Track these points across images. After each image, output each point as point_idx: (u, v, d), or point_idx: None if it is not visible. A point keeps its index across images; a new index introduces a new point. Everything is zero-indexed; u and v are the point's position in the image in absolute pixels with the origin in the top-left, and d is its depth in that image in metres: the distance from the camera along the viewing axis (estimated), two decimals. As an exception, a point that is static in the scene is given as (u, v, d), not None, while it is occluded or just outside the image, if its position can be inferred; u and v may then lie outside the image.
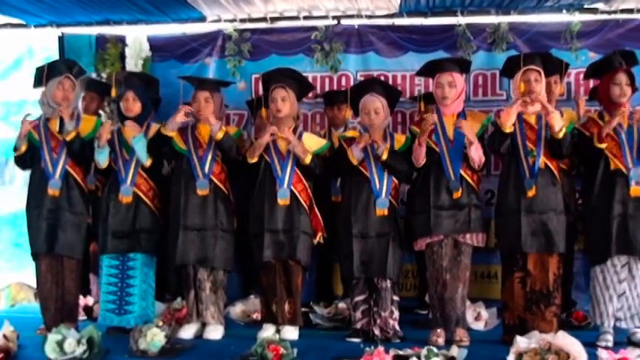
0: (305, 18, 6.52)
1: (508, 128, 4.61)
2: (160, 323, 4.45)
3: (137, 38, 6.52)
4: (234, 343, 4.58)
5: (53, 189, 4.94)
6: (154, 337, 4.22)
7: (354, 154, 4.84)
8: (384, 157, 4.77)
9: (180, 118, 4.89)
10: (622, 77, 4.70)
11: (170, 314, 5.24)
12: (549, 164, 4.65)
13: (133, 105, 5.02)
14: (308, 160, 4.87)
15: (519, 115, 4.68)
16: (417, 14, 6.41)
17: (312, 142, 5.03)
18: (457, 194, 4.68)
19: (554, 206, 4.63)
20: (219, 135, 4.87)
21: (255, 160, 4.91)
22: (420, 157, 4.76)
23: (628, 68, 4.75)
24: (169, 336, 4.35)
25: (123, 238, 4.97)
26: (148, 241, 5.00)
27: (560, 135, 4.56)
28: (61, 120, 4.97)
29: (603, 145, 4.64)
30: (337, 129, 5.89)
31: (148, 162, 4.98)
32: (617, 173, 4.62)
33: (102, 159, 4.99)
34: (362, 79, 5.99)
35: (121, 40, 6.57)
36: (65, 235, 4.94)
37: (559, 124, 4.55)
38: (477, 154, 4.68)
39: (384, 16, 6.46)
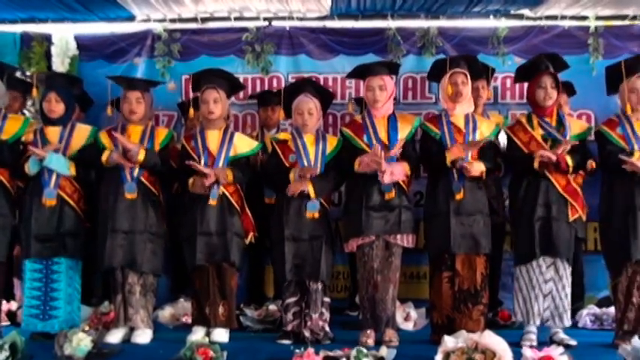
0: (236, 19, 6.49)
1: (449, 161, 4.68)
2: (87, 328, 4.37)
3: (63, 37, 6.40)
4: (163, 346, 4.52)
5: None
6: (80, 342, 4.13)
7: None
8: (312, 195, 4.75)
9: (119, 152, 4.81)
10: (547, 80, 4.76)
11: (97, 318, 5.13)
12: (477, 168, 4.75)
13: (55, 106, 4.91)
14: (230, 179, 4.79)
15: (447, 119, 4.78)
16: (347, 17, 6.46)
17: (244, 144, 4.99)
18: (390, 195, 4.70)
19: (480, 209, 4.74)
20: (140, 158, 4.75)
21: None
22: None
23: (553, 71, 4.81)
24: (96, 340, 4.27)
25: (47, 242, 4.83)
26: (73, 245, 4.87)
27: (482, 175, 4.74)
28: None
29: (540, 169, 4.67)
30: (270, 130, 5.89)
31: (72, 171, 4.86)
32: (542, 176, 4.70)
33: (34, 169, 4.82)
34: (293, 80, 5.98)
35: (46, 39, 6.44)
36: None
37: (479, 170, 4.69)
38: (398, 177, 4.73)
39: (315, 19, 6.49)
